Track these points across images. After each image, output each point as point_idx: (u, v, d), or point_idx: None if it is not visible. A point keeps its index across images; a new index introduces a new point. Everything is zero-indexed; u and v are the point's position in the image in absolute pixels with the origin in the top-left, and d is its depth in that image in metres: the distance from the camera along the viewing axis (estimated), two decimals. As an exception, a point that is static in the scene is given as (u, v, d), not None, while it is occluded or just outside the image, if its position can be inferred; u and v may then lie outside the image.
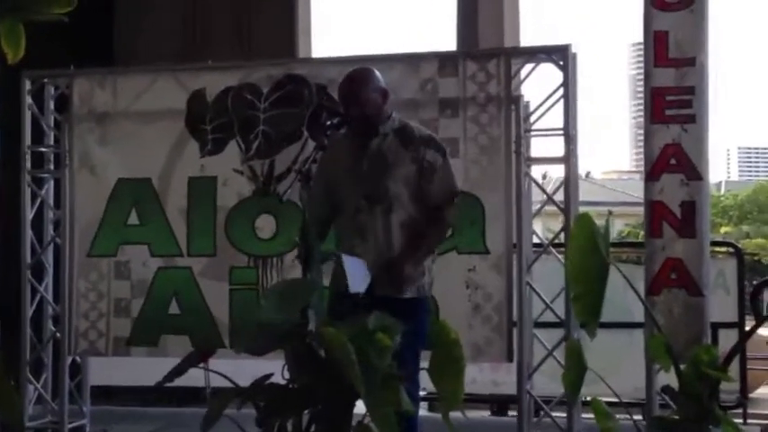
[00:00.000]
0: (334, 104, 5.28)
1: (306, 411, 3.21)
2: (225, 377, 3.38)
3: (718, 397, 3.34)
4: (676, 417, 3.17)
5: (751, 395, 9.22)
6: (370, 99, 4.13)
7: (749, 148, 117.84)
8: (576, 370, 3.18)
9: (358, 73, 4.23)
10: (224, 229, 5.53)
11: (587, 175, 44.94)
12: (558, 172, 5.29)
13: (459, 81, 5.17)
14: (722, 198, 44.39)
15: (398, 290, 4.06)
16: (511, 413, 5.60)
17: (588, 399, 3.28)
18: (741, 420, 6.48)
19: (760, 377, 10.58)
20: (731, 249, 7.36)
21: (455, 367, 3.29)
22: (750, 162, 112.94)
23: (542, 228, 7.10)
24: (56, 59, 6.15)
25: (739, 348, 3.77)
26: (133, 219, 5.68)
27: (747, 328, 6.23)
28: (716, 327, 5.59)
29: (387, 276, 4.05)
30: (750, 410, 7.50)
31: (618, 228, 33.86)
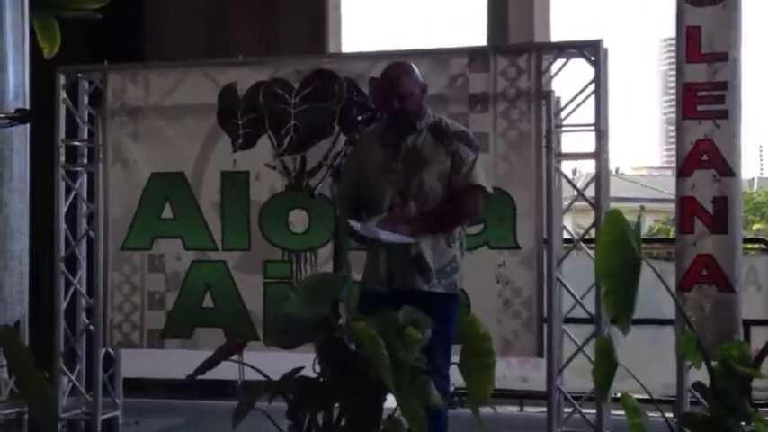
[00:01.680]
0: (364, 99, 5.30)
1: (336, 405, 3.24)
2: (257, 370, 3.41)
3: (750, 394, 3.33)
4: (707, 413, 3.16)
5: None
6: (412, 93, 4.13)
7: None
8: (605, 366, 3.18)
9: (399, 67, 4.24)
10: (257, 224, 5.56)
11: (617, 170, 44.63)
12: (588, 167, 5.27)
13: (490, 76, 5.16)
14: (755, 195, 43.91)
15: (428, 282, 4.06)
16: (540, 409, 5.57)
17: (618, 395, 3.28)
18: (772, 418, 6.41)
19: (792, 375, 10.46)
20: (763, 246, 7.29)
21: (485, 362, 3.30)
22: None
23: (572, 224, 7.08)
24: (89, 55, 6.22)
25: (771, 345, 3.74)
26: (167, 213, 5.72)
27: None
28: (748, 324, 5.54)
29: (416, 261, 4.04)
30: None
31: (648, 224, 33.63)
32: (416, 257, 4.06)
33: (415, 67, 4.24)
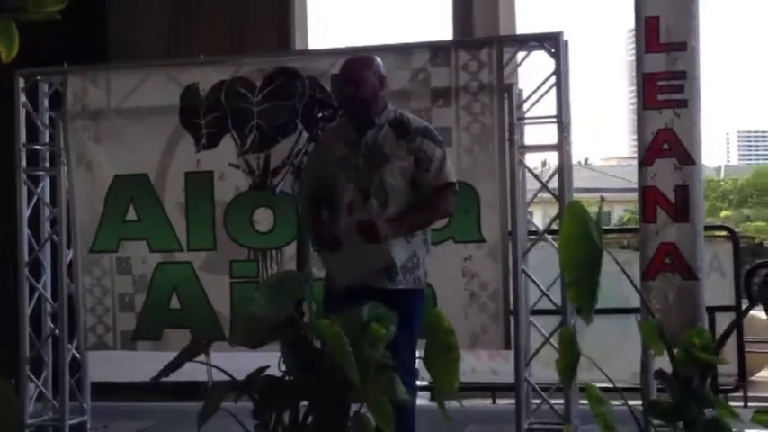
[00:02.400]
0: (326, 96, 5.31)
1: (302, 403, 3.24)
2: (222, 371, 3.40)
3: (715, 380, 3.37)
4: (671, 401, 3.19)
5: (752, 378, 9.24)
6: (368, 81, 4.14)
7: (749, 132, 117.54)
8: (569, 356, 3.20)
9: (358, 57, 4.31)
10: (222, 223, 5.55)
11: (586, 161, 44.96)
12: (556, 159, 5.30)
13: (452, 70, 5.18)
14: (722, 182, 44.36)
15: (393, 280, 4.07)
16: (511, 401, 5.61)
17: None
18: (741, 403, 6.49)
19: (761, 360, 10.60)
20: (726, 233, 7.37)
21: (449, 356, 3.30)
22: (750, 146, 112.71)
23: (543, 215, 7.11)
24: (49, 57, 6.16)
25: (731, 331, 3.78)
26: (131, 215, 5.71)
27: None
28: (712, 310, 5.60)
29: (379, 258, 4.06)
30: (751, 393, 7.51)
31: (618, 214, 33.87)
32: (383, 259, 4.07)
33: (377, 60, 4.26)
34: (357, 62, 4.24)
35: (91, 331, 5.79)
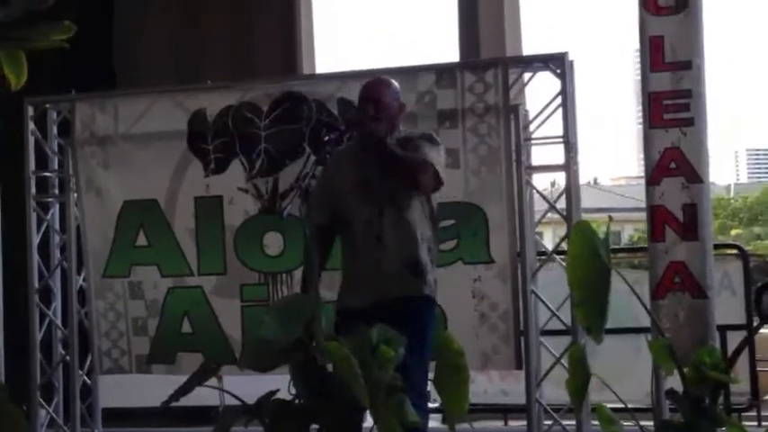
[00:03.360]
0: (333, 120, 5.34)
1: (313, 426, 3.23)
2: (232, 395, 3.40)
3: (728, 399, 3.36)
4: (682, 420, 3.18)
5: (766, 398, 9.17)
6: (388, 104, 4.21)
7: (758, 150, 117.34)
8: (579, 376, 3.19)
9: (379, 78, 4.39)
10: (233, 248, 5.57)
11: (595, 181, 44.87)
12: (563, 180, 5.31)
13: (458, 92, 5.20)
14: (732, 200, 44.20)
15: (422, 280, 4.12)
16: (523, 422, 5.59)
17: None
18: (755, 423, 6.45)
19: (774, 380, 10.52)
20: (736, 251, 7.34)
21: (459, 377, 3.30)
22: (759, 164, 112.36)
23: (552, 235, 7.10)
24: (57, 85, 6.21)
25: (742, 349, 3.78)
26: (141, 240, 5.74)
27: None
28: (723, 329, 5.58)
29: (409, 266, 4.11)
30: (765, 413, 7.47)
31: (628, 233, 33.77)
32: (409, 257, 4.15)
33: (397, 85, 4.33)
34: (379, 82, 4.33)
35: (106, 355, 5.82)
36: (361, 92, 4.35)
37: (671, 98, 4.74)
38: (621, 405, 3.45)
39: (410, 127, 4.82)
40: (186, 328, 5.66)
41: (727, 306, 6.26)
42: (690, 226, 4.71)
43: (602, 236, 3.43)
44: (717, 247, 5.47)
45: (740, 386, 6.15)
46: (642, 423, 3.21)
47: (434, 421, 5.19)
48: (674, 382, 4.35)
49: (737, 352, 3.34)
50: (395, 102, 4.25)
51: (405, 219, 4.15)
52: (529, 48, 10.66)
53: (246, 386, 3.39)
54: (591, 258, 3.25)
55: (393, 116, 4.23)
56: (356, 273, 4.23)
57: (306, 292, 3.66)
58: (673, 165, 4.73)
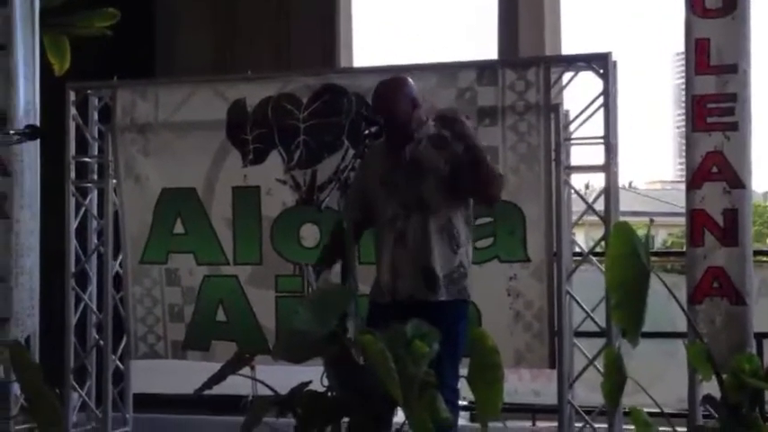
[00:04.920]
0: (372, 114, 5.32)
1: (344, 419, 3.23)
2: (265, 385, 3.41)
3: (763, 406, 3.32)
4: (718, 426, 3.15)
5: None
6: (398, 109, 4.16)
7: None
8: (614, 379, 3.17)
9: (388, 82, 4.29)
10: (269, 238, 5.58)
11: (630, 184, 44.54)
12: (600, 181, 5.27)
13: (498, 90, 5.16)
14: (768, 208, 43.75)
15: (435, 292, 4.07)
16: (552, 423, 5.56)
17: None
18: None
19: (808, 389, 10.40)
20: (776, 258, 7.27)
21: (493, 374, 3.28)
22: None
23: (585, 237, 7.06)
24: (100, 71, 6.25)
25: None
26: (179, 228, 5.77)
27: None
28: (760, 336, 5.52)
29: (423, 271, 4.06)
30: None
31: (662, 237, 33.52)
32: (425, 270, 4.07)
33: (409, 81, 4.27)
34: (386, 89, 4.24)
35: (142, 340, 5.87)
36: (372, 102, 4.34)
37: (715, 102, 4.68)
38: (656, 410, 3.42)
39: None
40: (221, 316, 5.68)
41: (766, 313, 6.19)
42: (730, 231, 4.66)
43: (641, 238, 3.40)
44: (755, 253, 5.40)
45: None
46: (677, 429, 3.18)
47: (462, 419, 5.18)
48: (707, 389, 4.31)
49: (777, 360, 3.29)
50: (407, 102, 4.17)
51: (431, 227, 4.09)
52: (567, 47, 10.60)
53: (279, 377, 3.40)
54: (630, 259, 3.24)
55: (407, 116, 4.16)
56: (380, 269, 4.22)
57: (344, 283, 3.65)
58: (715, 169, 4.68)
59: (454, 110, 4.31)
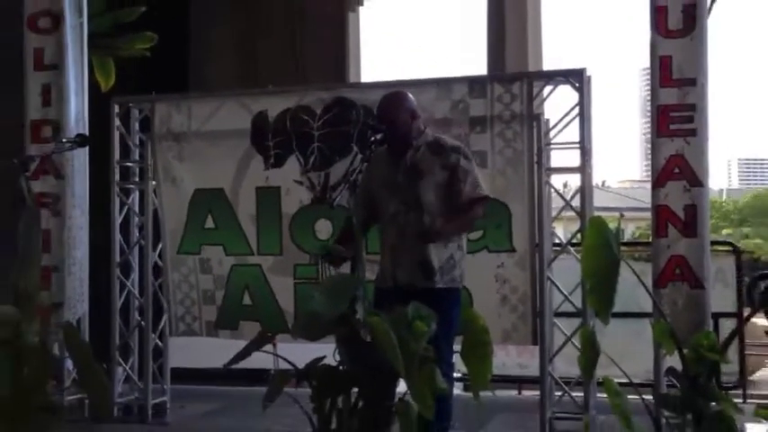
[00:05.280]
0: (377, 123, 5.31)
1: (354, 390, 3.23)
2: (285, 359, 3.41)
3: (719, 377, 3.31)
4: (680, 395, 3.14)
5: (752, 378, 9.06)
6: (399, 119, 4.17)
7: (748, 160, 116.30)
8: (589, 353, 3.16)
9: (390, 96, 4.30)
10: (288, 232, 5.57)
11: (603, 183, 44.46)
12: (576, 181, 5.26)
13: (487, 101, 5.15)
14: (724, 203, 43.69)
15: (431, 280, 4.07)
16: (535, 392, 5.55)
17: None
18: (741, 400, 6.36)
19: (759, 362, 10.41)
20: (730, 248, 7.25)
21: (483, 350, 3.28)
22: (749, 172, 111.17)
23: (564, 230, 7.03)
24: (140, 87, 6.26)
25: (735, 334, 3.72)
26: (209, 223, 5.76)
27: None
28: (717, 316, 5.52)
29: (419, 261, 4.06)
30: (750, 391, 7.37)
31: (631, 230, 33.45)
32: (422, 262, 4.08)
33: (408, 95, 4.27)
34: (388, 102, 4.24)
35: (181, 320, 5.88)
36: (376, 113, 4.34)
37: (677, 111, 4.68)
38: (625, 380, 3.41)
39: (445, 131, 4.78)
40: (247, 300, 5.69)
41: (721, 296, 6.18)
42: (690, 224, 4.65)
43: (613, 231, 3.39)
44: (712, 244, 5.38)
45: (729, 366, 6.07)
46: (644, 397, 3.17)
47: (457, 389, 5.18)
48: (670, 361, 4.31)
49: (731, 337, 3.28)
50: (405, 115, 4.17)
51: (425, 222, 4.09)
52: (548, 63, 10.60)
53: (297, 353, 3.40)
54: (603, 249, 3.22)
55: (406, 127, 4.16)
56: (383, 258, 4.23)
57: (354, 272, 3.65)
58: (676, 170, 4.68)
59: (457, 145, 4.29)
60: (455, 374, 4.56)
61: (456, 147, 4.23)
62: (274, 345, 3.52)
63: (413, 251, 4.09)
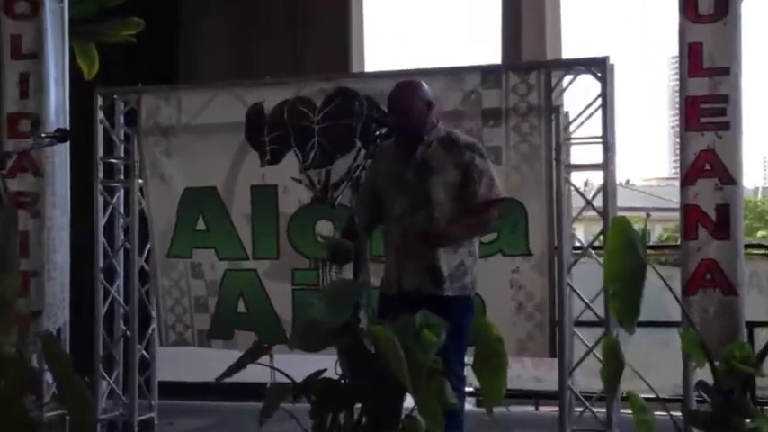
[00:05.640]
0: (383, 116, 5.31)
1: (357, 405, 3.23)
2: (282, 372, 3.41)
3: (754, 392, 3.31)
4: (711, 411, 3.14)
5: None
6: (414, 107, 4.16)
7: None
8: (613, 366, 3.17)
9: (405, 83, 4.29)
10: (286, 234, 5.58)
11: (627, 182, 44.41)
12: (598, 179, 5.25)
13: (502, 92, 5.14)
14: (759, 203, 43.59)
15: (440, 287, 4.06)
16: (553, 408, 5.55)
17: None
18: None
19: (797, 375, 10.37)
20: (765, 251, 7.24)
21: (497, 362, 3.29)
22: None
23: (584, 232, 7.03)
24: (126, 77, 6.27)
25: (772, 345, 3.72)
26: (201, 225, 5.77)
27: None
28: (751, 325, 5.50)
29: (428, 266, 4.05)
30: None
31: (657, 232, 33.42)
32: (431, 266, 4.07)
33: (424, 84, 4.26)
34: (403, 90, 4.24)
35: (171, 329, 5.90)
36: (388, 100, 4.31)
37: (708, 102, 4.66)
38: (652, 395, 3.41)
39: (456, 125, 4.78)
40: (241, 308, 5.70)
41: (755, 304, 6.17)
42: (722, 225, 4.63)
43: (638, 232, 3.39)
44: (746, 247, 5.37)
45: (765, 381, 6.06)
46: (672, 413, 3.17)
47: (469, 404, 5.18)
48: (701, 374, 4.30)
49: (767, 348, 3.27)
50: (421, 103, 4.17)
51: (434, 223, 4.08)
52: (568, 51, 10.59)
53: (295, 365, 3.40)
54: (628, 252, 3.23)
55: (422, 117, 4.16)
56: (387, 262, 4.23)
57: (356, 277, 3.65)
58: (707, 166, 4.66)
59: (472, 142, 4.28)
60: (467, 389, 4.56)
61: (470, 144, 4.22)
62: (271, 356, 3.53)
63: (420, 255, 4.07)
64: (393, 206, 4.18)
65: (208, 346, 5.83)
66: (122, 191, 6.06)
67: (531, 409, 7.02)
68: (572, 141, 5.26)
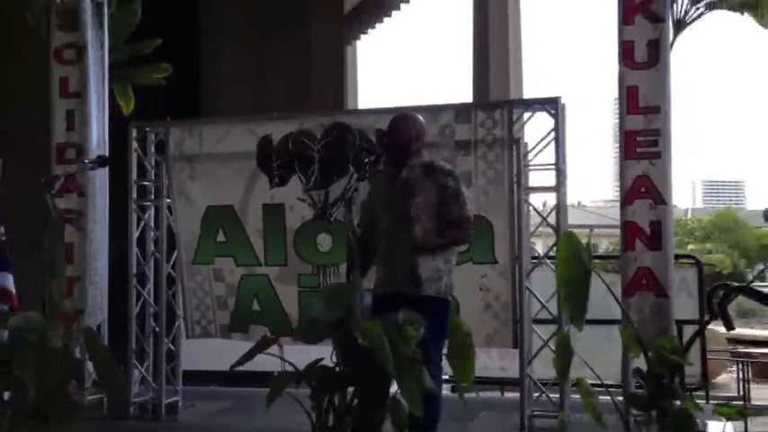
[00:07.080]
0: (371, 146, 5.35)
1: (349, 389, 3.24)
2: (287, 361, 3.41)
3: (683, 379, 3.33)
4: (647, 395, 3.16)
5: (714, 381, 9.06)
6: (405, 131, 4.22)
7: (711, 181, 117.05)
8: (564, 356, 3.19)
9: (405, 114, 4.36)
10: (292, 245, 5.59)
11: (579, 203, 44.56)
12: (553, 200, 5.28)
13: (472, 127, 5.17)
14: (689, 222, 43.80)
15: (417, 288, 4.06)
16: (515, 393, 5.55)
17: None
18: (704, 401, 6.35)
19: (721, 366, 10.43)
20: (693, 261, 7.27)
21: (467, 353, 3.31)
22: (712, 192, 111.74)
23: (542, 245, 7.04)
24: (155, 113, 6.28)
25: (695, 338, 3.74)
26: (221, 237, 5.77)
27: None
28: (680, 323, 5.52)
29: (407, 271, 4.06)
30: (712, 393, 7.38)
31: (604, 245, 33.51)
32: (411, 272, 4.08)
33: (420, 119, 4.31)
34: (402, 117, 4.30)
35: (197, 323, 5.88)
36: (387, 127, 4.37)
37: (643, 135, 4.72)
38: (597, 381, 3.43)
39: (433, 154, 4.79)
40: (256, 306, 5.69)
41: (684, 305, 6.19)
42: (655, 239, 4.67)
43: (585, 245, 3.42)
44: (677, 257, 5.41)
45: (693, 369, 6.08)
46: (614, 397, 3.18)
47: (445, 390, 5.17)
48: (637, 364, 4.31)
49: (692, 341, 3.30)
50: (412, 130, 4.22)
51: (415, 234, 4.07)
52: (528, 90, 10.68)
53: (300, 355, 3.40)
54: (576, 261, 3.25)
55: (409, 141, 4.20)
56: (377, 268, 4.23)
57: (349, 281, 3.66)
58: (643, 189, 4.71)
59: (449, 169, 4.27)
60: (444, 376, 4.56)
61: (447, 170, 4.23)
62: (281, 346, 3.53)
63: (402, 261, 4.09)
64: (382, 220, 4.20)
65: (228, 337, 5.82)
66: (153, 209, 6.05)
67: (497, 394, 7.01)
68: (530, 168, 5.28)
